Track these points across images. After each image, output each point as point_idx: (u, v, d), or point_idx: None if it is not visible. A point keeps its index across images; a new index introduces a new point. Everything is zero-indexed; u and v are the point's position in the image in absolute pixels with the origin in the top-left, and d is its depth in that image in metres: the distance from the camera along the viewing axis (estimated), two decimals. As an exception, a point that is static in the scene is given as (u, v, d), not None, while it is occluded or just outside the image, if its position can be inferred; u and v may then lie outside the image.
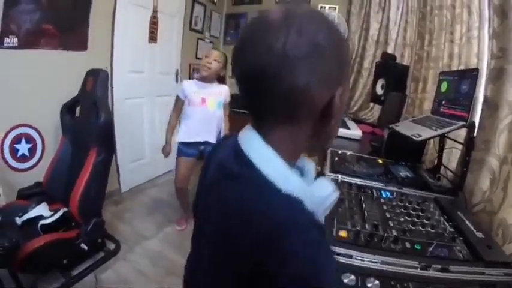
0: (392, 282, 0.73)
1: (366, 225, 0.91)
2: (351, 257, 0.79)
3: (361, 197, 1.02)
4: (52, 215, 1.57)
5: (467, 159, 1.20)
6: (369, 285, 0.71)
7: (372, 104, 2.48)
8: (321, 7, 2.51)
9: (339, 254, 0.79)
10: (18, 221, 1.51)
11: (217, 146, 0.57)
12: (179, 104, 2.07)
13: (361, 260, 0.79)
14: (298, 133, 0.43)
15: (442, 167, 1.39)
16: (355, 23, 2.65)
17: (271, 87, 0.39)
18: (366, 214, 0.94)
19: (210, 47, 3.63)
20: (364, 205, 0.98)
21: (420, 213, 1.03)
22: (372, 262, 0.79)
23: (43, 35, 1.80)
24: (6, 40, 1.66)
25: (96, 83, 1.65)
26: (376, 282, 0.72)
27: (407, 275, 0.77)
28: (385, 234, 0.87)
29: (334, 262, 0.42)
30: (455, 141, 1.31)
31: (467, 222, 1.02)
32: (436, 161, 1.40)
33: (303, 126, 0.42)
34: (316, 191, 0.44)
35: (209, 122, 2.03)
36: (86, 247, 1.57)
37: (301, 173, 0.50)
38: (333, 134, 0.49)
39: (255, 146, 0.43)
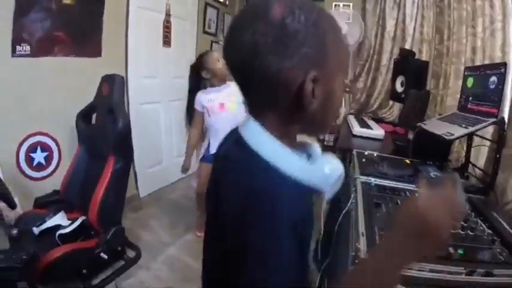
0: None
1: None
2: None
3: (398, 201, 0.99)
4: (70, 224, 1.54)
5: (498, 156, 1.17)
6: None
7: (391, 102, 2.44)
8: (336, 5, 2.46)
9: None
10: (36, 230, 1.49)
11: (222, 143, 0.59)
12: (199, 118, 2.00)
13: (408, 269, 0.77)
14: (286, 117, 0.45)
15: (470, 165, 1.36)
16: (371, 20, 2.60)
17: (251, 75, 0.43)
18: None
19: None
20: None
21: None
22: (420, 271, 0.76)
23: (56, 42, 1.77)
24: (18, 48, 1.64)
25: (113, 89, 1.62)
26: None
27: (455, 282, 0.74)
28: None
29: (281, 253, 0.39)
30: (484, 138, 1.28)
31: (502, 223, 0.99)
32: (463, 160, 1.37)
33: (288, 111, 0.44)
34: (319, 168, 0.46)
35: (236, 124, 1.94)
36: (105, 256, 1.54)
37: (309, 156, 0.52)
38: (321, 123, 0.50)
39: (253, 133, 0.46)
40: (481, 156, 1.39)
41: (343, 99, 2.67)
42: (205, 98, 1.94)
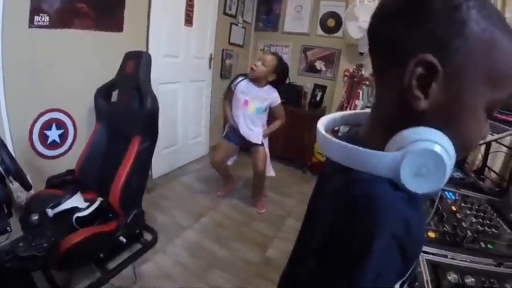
0: (483, 279, 0.79)
1: (446, 226, 0.96)
2: (445, 256, 0.84)
3: (433, 198, 1.06)
4: (88, 207, 1.48)
5: (516, 163, 1.27)
6: (467, 280, 0.77)
7: None
8: None
9: (434, 254, 0.84)
10: (50, 212, 1.42)
11: None
12: (230, 94, 2.18)
13: (453, 259, 0.84)
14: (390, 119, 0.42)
15: (486, 169, 1.45)
16: None
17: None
18: (445, 215, 0.99)
19: (243, 32, 3.52)
20: (439, 206, 1.02)
21: (483, 215, 1.08)
22: (463, 261, 0.85)
23: (76, 14, 1.68)
24: (37, 18, 1.54)
25: (139, 67, 1.56)
26: (472, 279, 0.78)
27: (487, 271, 0.83)
28: (467, 235, 0.92)
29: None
30: (502, 144, 1.38)
31: (520, 224, 1.08)
32: (480, 163, 1.46)
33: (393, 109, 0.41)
34: None
35: (247, 122, 2.14)
36: (124, 240, 1.51)
37: None
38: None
39: None
40: (496, 160, 1.48)
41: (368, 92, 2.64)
42: (239, 88, 2.10)
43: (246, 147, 2.28)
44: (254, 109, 2.10)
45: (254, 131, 2.16)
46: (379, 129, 0.40)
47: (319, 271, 0.37)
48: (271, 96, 2.11)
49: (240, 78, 2.12)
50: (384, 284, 0.33)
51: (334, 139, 0.40)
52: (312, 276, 0.38)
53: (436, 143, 0.33)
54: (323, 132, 0.43)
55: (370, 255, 0.31)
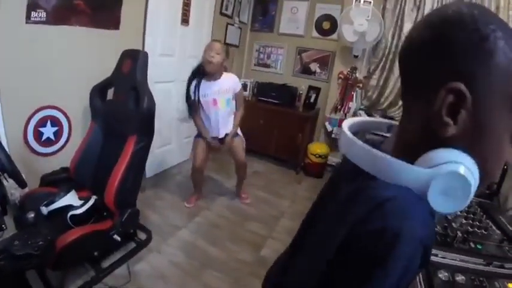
0: (473, 277, 0.82)
1: (437, 226, 1.00)
2: (436, 255, 0.88)
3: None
4: (82, 205, 1.47)
5: (505, 167, 1.31)
6: (457, 278, 0.80)
7: (400, 102, 2.47)
8: (356, 1, 2.45)
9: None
10: (44, 210, 1.41)
11: None
12: (196, 105, 2.09)
13: (444, 258, 0.88)
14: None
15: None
16: (390, 20, 2.64)
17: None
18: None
19: (238, 32, 3.51)
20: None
21: (473, 216, 1.13)
22: (452, 260, 0.88)
23: (74, 10, 1.67)
24: (34, 14, 1.53)
25: (136, 66, 1.55)
26: (463, 277, 0.81)
27: (477, 270, 0.86)
28: (457, 236, 0.96)
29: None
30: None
31: (508, 226, 1.13)
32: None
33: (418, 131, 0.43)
34: None
35: (224, 119, 2.14)
36: (119, 238, 1.50)
37: None
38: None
39: None
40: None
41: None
42: (201, 91, 2.02)
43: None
44: (224, 103, 2.08)
45: (228, 125, 2.17)
46: (405, 147, 0.41)
47: (335, 273, 0.37)
48: (233, 82, 2.10)
49: (194, 83, 2.02)
50: None
51: (363, 144, 0.40)
52: (326, 279, 0.39)
53: (467, 168, 0.34)
54: (350, 135, 0.43)
55: (399, 258, 0.32)
